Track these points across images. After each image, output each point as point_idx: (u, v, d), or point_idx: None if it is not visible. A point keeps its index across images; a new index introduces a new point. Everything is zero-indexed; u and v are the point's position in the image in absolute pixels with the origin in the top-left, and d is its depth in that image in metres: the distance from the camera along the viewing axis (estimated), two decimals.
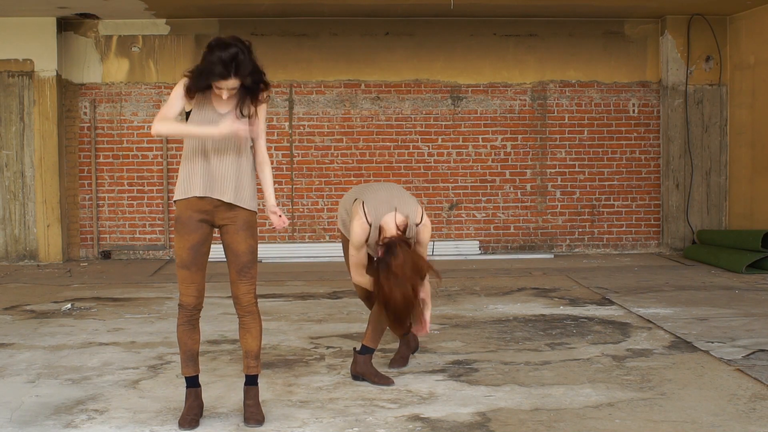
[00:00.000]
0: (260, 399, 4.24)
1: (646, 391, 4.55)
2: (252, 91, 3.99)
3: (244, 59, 3.86)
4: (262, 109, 4.10)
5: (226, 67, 3.82)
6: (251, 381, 4.16)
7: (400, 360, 5.09)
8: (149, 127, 10.29)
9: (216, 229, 4.13)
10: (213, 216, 4.05)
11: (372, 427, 4.02)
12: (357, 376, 4.82)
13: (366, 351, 4.81)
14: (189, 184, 4.01)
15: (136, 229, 10.39)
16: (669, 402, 4.35)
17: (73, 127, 10.28)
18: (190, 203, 4.02)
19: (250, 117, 4.04)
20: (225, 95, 3.93)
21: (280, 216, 4.15)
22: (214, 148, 3.99)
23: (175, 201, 4.09)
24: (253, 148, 4.15)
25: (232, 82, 3.88)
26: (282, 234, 10.42)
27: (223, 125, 3.88)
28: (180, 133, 4.04)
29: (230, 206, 4.04)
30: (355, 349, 4.91)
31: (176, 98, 3.99)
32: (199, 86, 3.93)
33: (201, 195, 3.98)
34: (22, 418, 4.19)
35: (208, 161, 3.99)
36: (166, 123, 3.96)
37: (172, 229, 10.27)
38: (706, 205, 10.48)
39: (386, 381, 4.73)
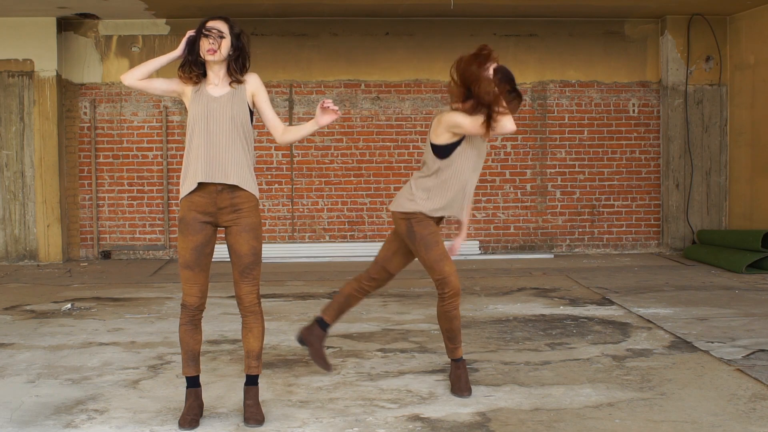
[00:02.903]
0: (260, 399, 4.25)
1: (646, 391, 4.55)
2: (236, 61, 4.10)
3: (236, 22, 4.12)
4: (257, 82, 4.16)
5: (216, 15, 4.11)
6: (252, 381, 4.16)
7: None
8: (149, 127, 10.31)
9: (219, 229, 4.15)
10: (216, 217, 4.06)
11: (372, 427, 4.02)
12: (303, 341, 4.88)
13: (325, 326, 4.87)
14: (191, 172, 4.03)
15: (136, 229, 10.39)
16: (669, 402, 4.35)
17: (73, 127, 10.28)
18: (193, 203, 4.03)
19: (240, 82, 4.11)
20: (212, 44, 4.00)
21: (330, 104, 4.13)
22: (212, 134, 4.02)
23: (180, 200, 4.09)
24: (267, 125, 4.22)
25: (220, 23, 4.04)
26: (282, 234, 10.42)
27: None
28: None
29: (233, 205, 4.04)
30: (317, 318, 4.90)
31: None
32: (193, 52, 4.06)
33: (203, 180, 3.98)
34: (22, 418, 4.19)
35: (206, 146, 4.01)
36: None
37: (173, 229, 10.32)
38: (706, 205, 10.48)
39: (327, 367, 4.81)
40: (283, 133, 4.20)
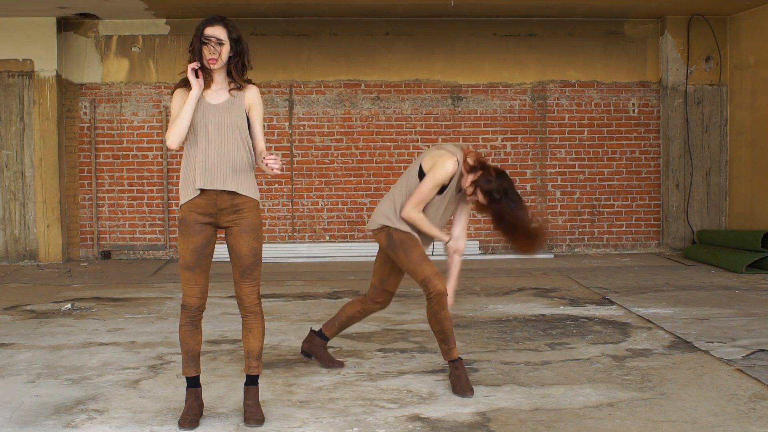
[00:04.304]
0: (260, 399, 4.25)
1: (646, 391, 4.55)
2: (236, 66, 4.07)
3: (233, 23, 4.07)
4: (255, 95, 4.13)
5: (213, 17, 4.06)
6: (252, 381, 4.16)
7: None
8: (149, 127, 10.32)
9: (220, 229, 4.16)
10: (217, 218, 4.07)
11: (372, 427, 4.02)
12: (308, 353, 5.16)
13: (324, 338, 5.10)
14: (190, 179, 4.04)
15: (136, 229, 10.39)
16: (669, 402, 4.35)
17: (73, 127, 10.28)
18: (194, 205, 4.03)
19: (241, 88, 4.09)
20: (212, 54, 3.97)
21: (270, 162, 3.97)
22: (211, 141, 4.02)
23: (180, 206, 4.09)
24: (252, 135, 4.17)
25: (218, 29, 4.00)
26: (282, 234, 10.42)
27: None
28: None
29: (234, 206, 4.04)
30: (312, 329, 5.18)
31: (176, 103, 4.07)
32: (195, 52, 4.02)
33: (201, 187, 3.99)
34: (22, 418, 4.19)
35: (205, 153, 4.02)
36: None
37: (173, 229, 10.32)
38: (706, 205, 10.48)
39: (339, 365, 5.07)
40: (258, 154, 4.14)
